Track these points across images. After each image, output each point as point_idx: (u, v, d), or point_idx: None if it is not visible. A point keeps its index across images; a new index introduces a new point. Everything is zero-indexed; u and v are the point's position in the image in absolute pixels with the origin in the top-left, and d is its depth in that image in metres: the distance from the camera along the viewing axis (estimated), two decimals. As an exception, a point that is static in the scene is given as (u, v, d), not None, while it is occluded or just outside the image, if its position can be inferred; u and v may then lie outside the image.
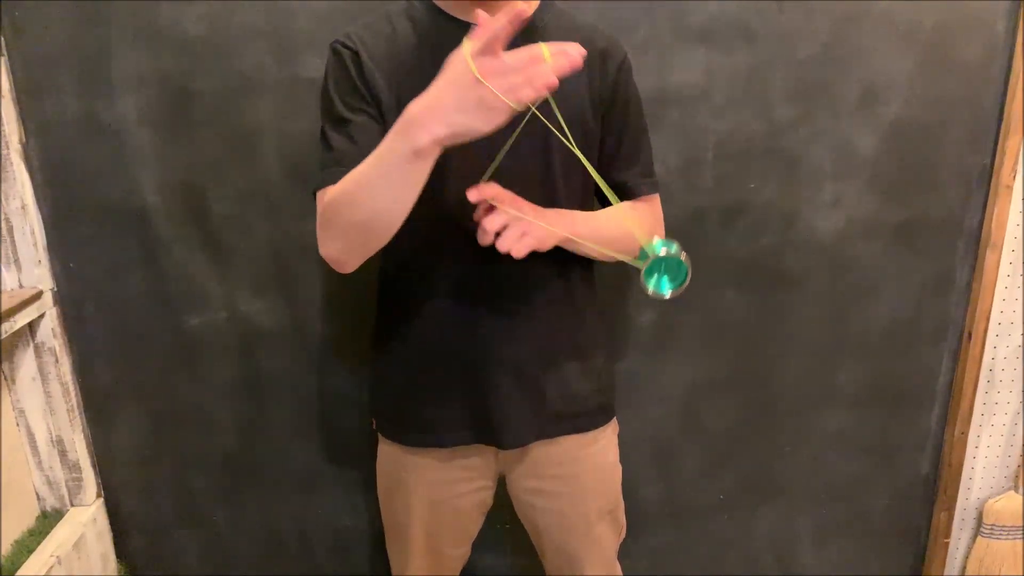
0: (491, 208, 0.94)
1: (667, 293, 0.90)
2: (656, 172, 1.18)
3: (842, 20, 1.35)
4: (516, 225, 0.94)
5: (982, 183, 1.45)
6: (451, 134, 0.78)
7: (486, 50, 0.74)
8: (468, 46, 0.75)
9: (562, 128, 0.95)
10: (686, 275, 0.90)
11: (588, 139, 1.08)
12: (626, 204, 1.15)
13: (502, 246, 0.92)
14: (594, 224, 1.07)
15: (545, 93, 0.72)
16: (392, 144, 0.83)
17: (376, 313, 1.21)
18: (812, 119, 1.40)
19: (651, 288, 0.90)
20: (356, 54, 1.00)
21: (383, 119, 1.00)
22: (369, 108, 1.00)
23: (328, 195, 0.96)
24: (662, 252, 0.88)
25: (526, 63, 0.72)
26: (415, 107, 0.79)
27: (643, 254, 0.90)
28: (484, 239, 0.94)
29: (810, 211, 1.46)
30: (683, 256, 0.89)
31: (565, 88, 1.02)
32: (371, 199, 0.88)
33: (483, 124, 0.77)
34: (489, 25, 0.73)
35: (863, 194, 1.45)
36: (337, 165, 0.97)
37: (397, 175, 0.85)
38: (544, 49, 0.71)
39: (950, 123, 1.42)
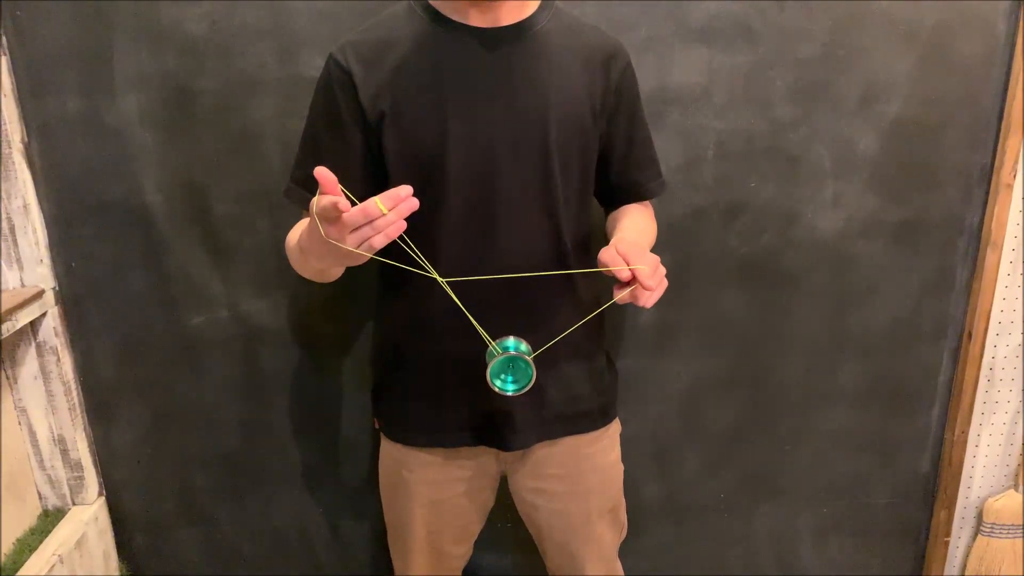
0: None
1: (510, 392, 0.95)
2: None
3: (843, 20, 1.35)
4: (660, 280, 0.93)
5: (982, 182, 1.46)
6: (334, 263, 0.90)
7: (326, 217, 0.80)
8: (314, 208, 0.81)
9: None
10: (530, 378, 0.94)
11: (586, 142, 1.08)
12: (640, 211, 1.19)
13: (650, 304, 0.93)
14: (650, 239, 1.17)
15: (395, 236, 0.79)
16: (306, 244, 0.93)
17: (377, 314, 1.22)
18: (812, 118, 1.40)
19: (497, 387, 0.95)
20: (347, 72, 1.02)
21: (380, 125, 1.03)
22: (347, 129, 1.04)
23: (288, 239, 1.09)
24: (512, 352, 0.94)
25: (364, 219, 0.78)
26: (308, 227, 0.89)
27: (491, 352, 0.95)
28: (650, 302, 0.93)
29: (810, 210, 1.46)
30: (529, 359, 0.94)
31: (563, 91, 1.03)
32: (305, 269, 1.06)
33: (354, 261, 0.84)
34: (321, 201, 0.78)
35: (863, 193, 1.45)
36: (304, 186, 1.08)
37: (318, 266, 0.99)
38: (378, 202, 0.77)
39: (950, 122, 1.42)
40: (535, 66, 1.03)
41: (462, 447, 1.15)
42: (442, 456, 1.16)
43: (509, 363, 0.94)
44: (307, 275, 1.09)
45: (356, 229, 0.79)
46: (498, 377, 0.94)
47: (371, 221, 0.78)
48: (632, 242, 0.95)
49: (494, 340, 0.96)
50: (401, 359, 1.15)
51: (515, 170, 1.03)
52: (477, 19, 1.01)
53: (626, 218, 1.16)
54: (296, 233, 1.07)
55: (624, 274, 0.91)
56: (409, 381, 1.15)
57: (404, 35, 1.02)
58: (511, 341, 0.96)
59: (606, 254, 0.93)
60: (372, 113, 1.02)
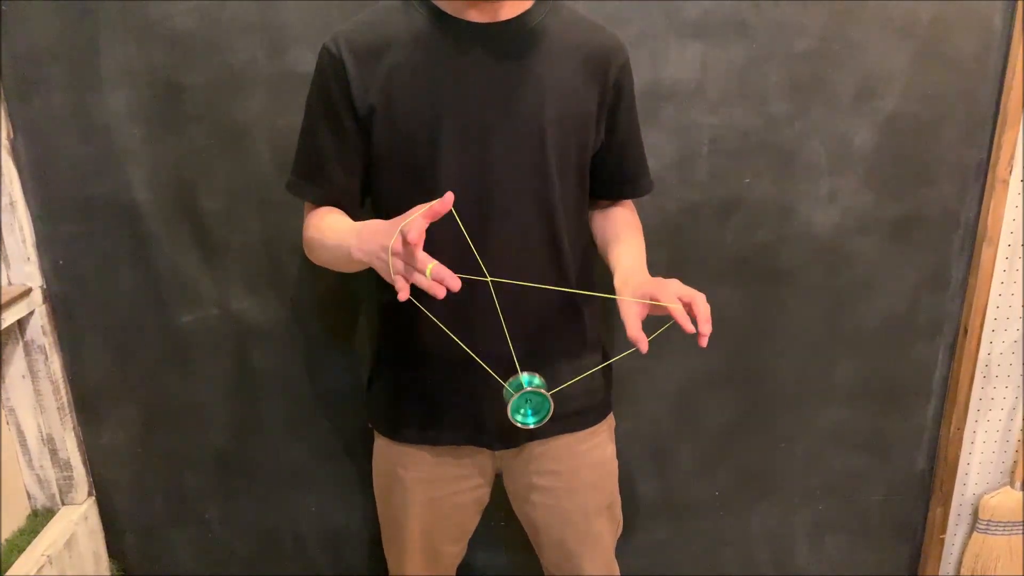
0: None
1: (532, 425, 0.98)
2: (650, 167, 1.22)
3: (838, 14, 1.34)
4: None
5: (978, 178, 1.45)
6: (365, 261, 0.94)
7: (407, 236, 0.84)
8: (402, 226, 0.85)
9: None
10: (549, 410, 0.98)
11: (584, 139, 1.07)
12: (629, 219, 1.19)
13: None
14: (642, 259, 1.14)
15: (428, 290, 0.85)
16: (346, 238, 0.98)
17: (376, 310, 1.21)
18: (808, 114, 1.39)
19: (519, 422, 0.98)
20: (340, 62, 1.01)
21: (370, 119, 1.02)
22: (343, 120, 1.03)
23: (305, 230, 1.10)
24: (528, 387, 0.97)
25: (410, 260, 0.85)
26: (370, 226, 0.94)
27: (507, 392, 0.98)
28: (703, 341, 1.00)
29: (806, 206, 1.45)
30: (545, 391, 0.97)
31: (561, 88, 1.02)
32: (329, 261, 1.08)
33: (383, 273, 0.90)
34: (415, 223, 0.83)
35: (859, 189, 1.44)
36: (305, 179, 1.09)
37: (344, 261, 1.00)
38: (429, 266, 0.83)
39: (946, 118, 1.41)
40: (532, 63, 1.02)
41: (453, 446, 1.14)
42: (436, 454, 1.16)
43: (526, 398, 0.97)
44: (325, 264, 1.10)
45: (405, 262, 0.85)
46: (518, 412, 0.98)
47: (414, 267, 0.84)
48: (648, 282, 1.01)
49: (507, 376, 0.99)
50: (394, 358, 1.15)
51: (510, 168, 1.02)
52: (475, 15, 1.00)
53: (620, 243, 1.13)
54: (321, 226, 1.06)
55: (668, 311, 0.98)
56: (403, 378, 1.14)
57: (399, 30, 1.01)
58: (524, 377, 0.98)
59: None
60: (363, 106, 1.01)
